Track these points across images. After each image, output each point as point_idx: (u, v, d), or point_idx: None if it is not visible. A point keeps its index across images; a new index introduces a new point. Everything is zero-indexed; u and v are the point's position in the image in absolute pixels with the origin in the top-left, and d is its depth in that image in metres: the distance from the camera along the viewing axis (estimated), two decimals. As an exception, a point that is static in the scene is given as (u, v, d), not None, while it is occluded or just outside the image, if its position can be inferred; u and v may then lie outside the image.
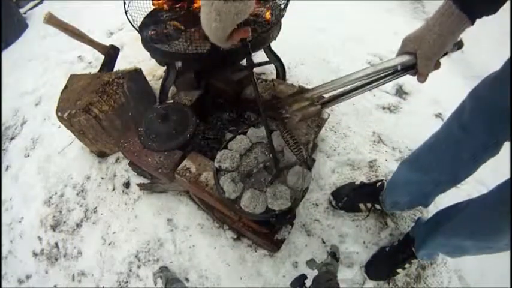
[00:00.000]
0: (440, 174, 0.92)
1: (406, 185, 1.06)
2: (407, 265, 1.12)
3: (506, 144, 0.75)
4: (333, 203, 1.30)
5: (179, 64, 1.23)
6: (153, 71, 1.89)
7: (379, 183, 1.23)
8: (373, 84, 0.66)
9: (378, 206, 1.24)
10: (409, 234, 1.12)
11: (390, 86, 1.78)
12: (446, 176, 0.91)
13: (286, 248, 1.23)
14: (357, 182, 1.34)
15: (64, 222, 1.46)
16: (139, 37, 1.29)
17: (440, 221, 0.97)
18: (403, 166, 1.09)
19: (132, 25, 1.25)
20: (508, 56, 0.67)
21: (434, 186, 0.97)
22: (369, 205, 1.25)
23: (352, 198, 1.26)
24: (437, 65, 0.66)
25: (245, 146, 1.00)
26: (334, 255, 0.99)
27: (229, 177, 0.92)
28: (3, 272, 1.41)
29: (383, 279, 1.17)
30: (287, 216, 0.94)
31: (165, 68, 1.40)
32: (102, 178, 1.54)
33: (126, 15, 1.23)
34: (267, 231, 1.13)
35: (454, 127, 0.84)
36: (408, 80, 1.77)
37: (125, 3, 1.24)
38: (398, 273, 1.14)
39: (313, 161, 1.42)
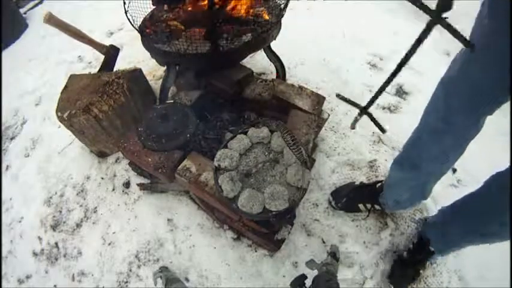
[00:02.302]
0: (430, 163, 0.93)
1: (402, 183, 1.07)
2: (427, 263, 1.15)
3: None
4: (333, 203, 1.30)
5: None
6: (153, 71, 1.89)
7: (378, 184, 1.23)
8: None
9: (377, 207, 1.24)
10: (422, 237, 1.13)
11: (390, 86, 1.78)
12: (436, 163, 0.93)
13: (286, 248, 1.23)
14: (357, 182, 1.34)
15: (64, 222, 1.46)
16: (140, 37, 1.29)
17: (449, 218, 1.00)
18: (394, 166, 1.09)
19: (132, 25, 1.25)
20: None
21: (429, 177, 0.98)
22: (368, 205, 1.25)
23: (351, 198, 1.26)
24: None
25: (245, 146, 1.00)
26: (334, 255, 0.99)
27: (228, 176, 0.92)
28: (3, 272, 1.41)
29: (409, 283, 1.17)
30: (287, 216, 0.94)
31: (165, 68, 1.40)
32: (102, 178, 1.54)
33: (126, 15, 1.23)
34: (267, 231, 1.13)
35: (431, 116, 0.86)
36: (408, 80, 1.77)
37: (124, 3, 1.24)
38: (420, 274, 1.15)
39: (313, 161, 1.42)
